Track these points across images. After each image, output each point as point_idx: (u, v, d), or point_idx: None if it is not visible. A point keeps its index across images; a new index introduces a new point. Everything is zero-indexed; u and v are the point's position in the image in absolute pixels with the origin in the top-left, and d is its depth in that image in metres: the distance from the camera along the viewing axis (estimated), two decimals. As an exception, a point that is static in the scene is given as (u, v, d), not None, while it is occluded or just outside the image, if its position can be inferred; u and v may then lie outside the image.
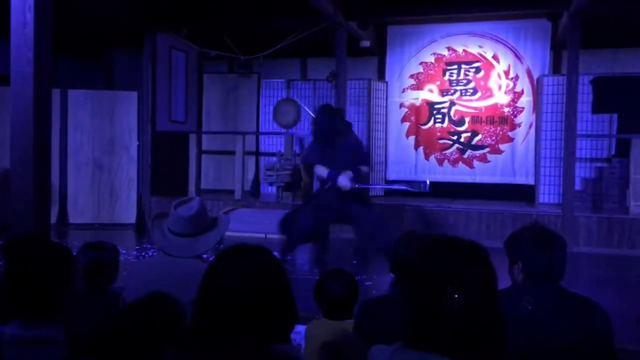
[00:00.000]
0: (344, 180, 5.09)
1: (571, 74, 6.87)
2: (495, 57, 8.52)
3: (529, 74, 8.40)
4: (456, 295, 1.17)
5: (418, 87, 8.87)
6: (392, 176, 8.95)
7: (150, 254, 6.04)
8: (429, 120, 8.82)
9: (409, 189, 5.54)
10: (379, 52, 9.11)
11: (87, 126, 8.05)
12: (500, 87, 8.51)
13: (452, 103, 8.70)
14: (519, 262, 2.02)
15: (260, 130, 9.43)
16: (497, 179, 8.52)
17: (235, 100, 9.62)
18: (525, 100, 8.41)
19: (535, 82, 8.31)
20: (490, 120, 8.55)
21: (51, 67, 3.18)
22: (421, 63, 8.85)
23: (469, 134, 8.63)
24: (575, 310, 1.95)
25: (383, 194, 8.80)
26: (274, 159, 8.50)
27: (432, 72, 8.82)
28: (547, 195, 7.98)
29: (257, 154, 9.43)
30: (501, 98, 8.49)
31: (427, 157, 8.82)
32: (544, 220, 6.41)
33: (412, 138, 8.91)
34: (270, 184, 8.37)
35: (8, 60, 3.04)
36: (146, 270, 2.46)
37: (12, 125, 3.06)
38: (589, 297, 2.03)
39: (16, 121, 3.05)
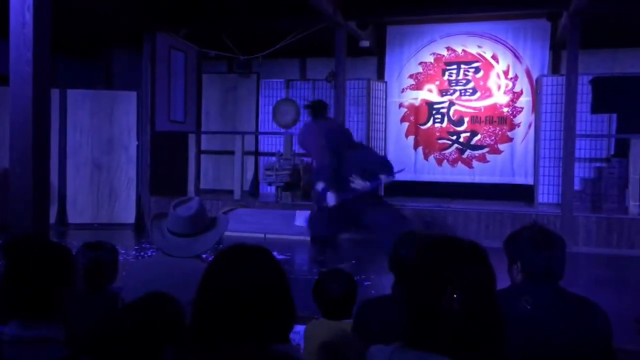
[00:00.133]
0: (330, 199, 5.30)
1: (570, 74, 6.87)
2: (494, 57, 8.53)
3: (528, 74, 8.40)
4: (455, 295, 1.17)
5: (417, 87, 8.87)
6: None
7: (150, 254, 6.04)
8: (428, 120, 8.83)
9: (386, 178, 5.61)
10: (379, 52, 9.12)
11: (86, 126, 8.04)
12: (499, 87, 8.51)
13: (452, 103, 8.70)
14: (518, 262, 2.03)
15: (259, 130, 9.43)
16: (496, 179, 8.52)
17: (234, 100, 9.62)
18: (525, 100, 8.41)
19: (534, 82, 8.32)
20: (490, 120, 8.55)
21: (50, 67, 3.18)
22: (420, 63, 8.85)
23: (468, 134, 8.63)
24: (574, 310, 1.95)
25: (383, 193, 8.79)
26: (273, 158, 8.50)
27: (431, 72, 8.82)
28: (546, 195, 7.99)
29: (256, 153, 9.43)
30: (500, 98, 8.50)
31: (426, 157, 8.82)
32: (543, 220, 6.41)
33: (411, 138, 8.92)
34: (270, 184, 8.37)
35: (7, 60, 3.04)
36: (145, 270, 2.46)
37: (11, 125, 3.06)
38: (588, 297, 2.03)
39: (15, 121, 3.05)
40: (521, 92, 8.43)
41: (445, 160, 8.76)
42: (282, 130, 9.03)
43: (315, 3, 6.57)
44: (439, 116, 8.77)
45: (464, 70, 8.66)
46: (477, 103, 8.60)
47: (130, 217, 8.12)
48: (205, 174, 9.37)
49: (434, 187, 8.66)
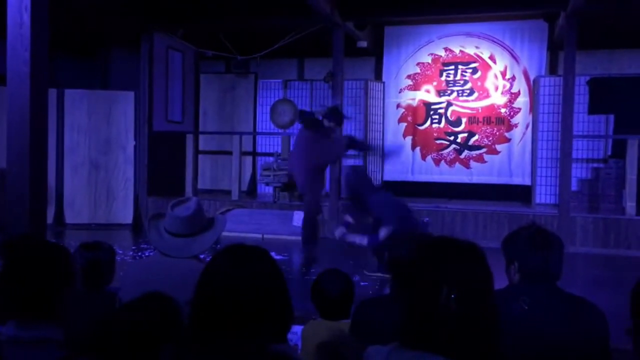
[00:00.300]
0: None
1: (567, 74, 6.88)
2: (492, 58, 8.54)
3: (526, 74, 8.42)
4: (452, 295, 1.18)
5: (415, 87, 8.88)
6: (388, 177, 8.97)
7: (147, 254, 6.04)
8: (425, 121, 8.83)
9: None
10: (376, 53, 9.12)
11: (84, 126, 8.03)
12: (497, 88, 8.53)
13: (449, 103, 8.72)
14: (516, 262, 2.03)
15: (257, 131, 9.43)
16: (493, 180, 8.54)
17: (232, 100, 9.61)
18: (522, 101, 8.43)
19: (531, 82, 8.33)
20: (487, 121, 8.56)
21: (47, 67, 3.17)
22: (418, 63, 8.86)
23: (465, 135, 8.64)
24: (571, 310, 1.96)
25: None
26: (271, 159, 8.50)
27: (429, 72, 8.83)
28: (543, 195, 8.00)
29: (254, 154, 9.43)
30: (498, 99, 8.51)
31: (424, 158, 8.83)
32: (540, 221, 6.42)
33: (409, 138, 8.93)
34: (267, 184, 8.37)
35: (4, 60, 3.04)
36: (143, 270, 2.45)
37: (9, 125, 3.06)
38: (585, 297, 2.03)
39: (12, 121, 3.04)
40: (518, 93, 8.44)
41: (442, 161, 8.77)
42: (280, 130, 9.03)
43: (312, 3, 6.57)
44: (437, 117, 8.78)
45: (462, 71, 8.67)
46: (475, 104, 8.62)
47: (127, 217, 8.12)
48: (202, 174, 9.36)
49: (431, 188, 8.67)
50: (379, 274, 5.09)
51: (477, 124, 8.60)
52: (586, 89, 7.83)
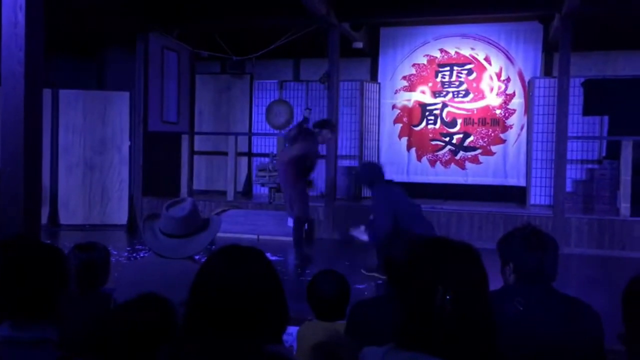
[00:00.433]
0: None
1: (562, 76, 6.91)
2: (487, 59, 8.56)
3: (521, 76, 8.44)
4: (448, 296, 1.18)
5: (410, 88, 8.90)
6: (384, 177, 8.95)
7: (142, 255, 6.02)
8: (421, 122, 8.85)
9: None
10: (372, 54, 9.13)
11: (79, 126, 8.00)
12: (492, 89, 8.55)
13: (445, 105, 8.73)
14: (511, 263, 2.03)
15: (252, 131, 9.42)
16: (488, 181, 8.55)
17: (227, 101, 9.60)
18: (517, 102, 8.45)
19: (526, 84, 8.36)
20: (482, 122, 8.59)
21: (42, 66, 3.16)
22: (414, 64, 8.87)
23: (461, 136, 8.66)
24: (566, 311, 1.96)
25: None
26: (266, 159, 8.50)
27: (424, 73, 8.85)
28: (538, 196, 8.02)
29: (250, 154, 9.42)
30: (493, 100, 8.54)
31: (419, 159, 8.84)
32: (535, 222, 6.44)
33: (404, 139, 8.94)
34: (263, 185, 8.36)
35: (-1, 59, 3.03)
36: (138, 271, 2.45)
37: (3, 125, 3.04)
38: (580, 298, 2.04)
39: (7, 121, 3.03)
40: (513, 94, 8.47)
41: (438, 162, 8.78)
42: (276, 131, 9.03)
43: (308, 4, 6.57)
44: (432, 118, 8.80)
45: (457, 72, 8.69)
46: (470, 105, 8.64)
47: (122, 218, 8.09)
48: (198, 175, 9.35)
49: (426, 188, 8.68)
50: (376, 274, 5.09)
51: (473, 125, 8.62)
52: (581, 90, 7.86)
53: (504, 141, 8.50)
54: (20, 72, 2.99)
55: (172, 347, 1.39)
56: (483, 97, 8.58)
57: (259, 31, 8.25)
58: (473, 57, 8.61)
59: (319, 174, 8.23)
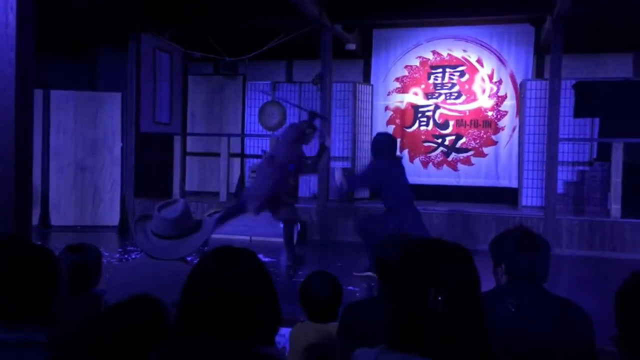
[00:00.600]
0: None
1: (554, 78, 6.95)
2: (479, 61, 8.60)
3: (513, 78, 8.48)
4: (440, 297, 1.18)
5: (403, 90, 8.92)
6: (377, 179, 8.96)
7: (134, 257, 5.99)
8: (414, 123, 8.87)
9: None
10: (365, 55, 9.15)
11: (70, 127, 7.96)
12: (484, 91, 8.58)
13: (437, 106, 8.76)
14: (503, 264, 2.04)
15: (245, 133, 9.40)
16: (481, 182, 8.59)
17: (220, 102, 9.58)
18: (509, 104, 8.49)
19: (518, 86, 8.40)
20: (474, 124, 8.62)
21: (33, 67, 3.14)
22: (406, 66, 8.90)
23: (453, 137, 8.69)
24: (557, 312, 1.97)
25: (369, 196, 8.83)
26: (260, 161, 8.48)
27: (417, 75, 8.87)
28: (530, 198, 8.06)
29: (242, 155, 9.40)
30: (485, 102, 8.57)
31: (411, 160, 8.86)
32: (526, 223, 6.47)
33: (397, 141, 8.94)
34: (255, 186, 8.33)
35: (-11, 60, 3.00)
36: (129, 272, 2.43)
37: (-7, 126, 3.02)
38: (571, 299, 2.05)
39: (-3, 122, 3.01)
40: (505, 96, 8.51)
41: (430, 163, 8.81)
42: (268, 132, 9.01)
43: (300, 5, 6.57)
44: (425, 119, 8.82)
45: (450, 74, 8.72)
46: (462, 106, 8.67)
47: (114, 219, 8.05)
48: (190, 176, 9.32)
49: (419, 190, 8.66)
50: (369, 274, 5.10)
51: (465, 126, 8.65)
52: (572, 92, 7.90)
53: (495, 143, 8.53)
54: (11, 73, 2.97)
55: (164, 349, 1.39)
56: (475, 99, 8.61)
57: (252, 32, 8.24)
58: (465, 59, 8.65)
59: (313, 175, 8.23)
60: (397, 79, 8.94)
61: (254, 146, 9.39)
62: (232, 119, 9.51)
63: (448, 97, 8.72)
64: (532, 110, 8.06)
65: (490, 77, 8.56)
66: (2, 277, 1.56)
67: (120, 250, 6.55)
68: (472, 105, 8.63)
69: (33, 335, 1.51)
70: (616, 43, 8.03)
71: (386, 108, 9.01)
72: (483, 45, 8.58)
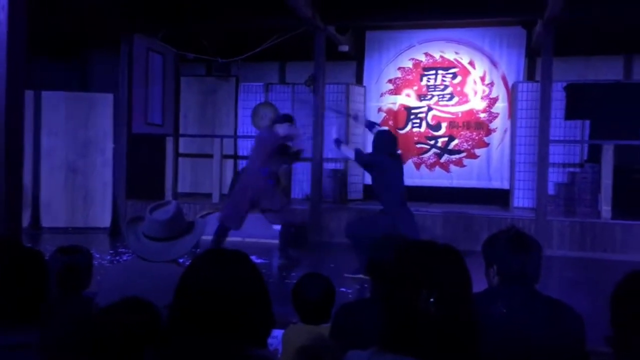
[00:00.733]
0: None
1: (545, 80, 6.99)
2: (471, 64, 8.64)
3: (504, 80, 8.53)
4: (431, 299, 1.18)
5: (396, 91, 8.94)
6: (369, 180, 8.96)
7: (125, 259, 5.97)
8: (406, 125, 8.89)
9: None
10: (357, 57, 9.16)
11: (62, 128, 7.91)
12: (476, 93, 8.62)
13: (430, 108, 8.79)
14: (495, 265, 2.05)
15: (238, 134, 9.39)
16: (473, 183, 8.62)
17: (213, 103, 9.56)
18: (501, 106, 8.53)
19: (510, 88, 8.45)
20: (467, 126, 8.65)
21: (24, 67, 3.12)
22: (399, 68, 8.92)
23: (445, 139, 8.72)
24: (549, 313, 1.98)
25: (362, 197, 8.83)
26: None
27: (409, 77, 8.90)
28: (521, 199, 8.10)
29: (235, 157, 9.39)
30: (477, 104, 8.61)
31: (404, 161, 8.87)
32: (518, 224, 6.50)
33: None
34: (248, 188, 8.31)
35: (-21, 60, 2.98)
36: (121, 274, 2.42)
37: (-17, 127, 3.00)
38: (562, 300, 2.06)
39: (-13, 123, 2.99)
40: (497, 98, 8.55)
41: (423, 165, 8.83)
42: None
43: (294, 6, 6.57)
44: (417, 121, 8.85)
45: (442, 76, 8.75)
46: (455, 108, 8.70)
47: (106, 221, 8.01)
48: (183, 178, 9.29)
49: (412, 191, 8.66)
50: (359, 276, 5.10)
51: (457, 128, 8.68)
52: (563, 94, 7.95)
53: (487, 144, 8.57)
54: (2, 74, 2.95)
55: (156, 351, 1.38)
56: (467, 101, 8.65)
57: (245, 34, 8.24)
58: (457, 61, 8.68)
59: (306, 176, 8.23)
60: (389, 81, 8.96)
61: (246, 147, 9.37)
62: (225, 121, 9.49)
63: (440, 99, 8.75)
64: (524, 112, 8.11)
65: (482, 80, 8.60)
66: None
67: (111, 252, 6.51)
68: (465, 107, 8.67)
69: (24, 338, 1.50)
70: (607, 46, 8.09)
71: (379, 109, 9.03)
72: (475, 48, 8.62)
